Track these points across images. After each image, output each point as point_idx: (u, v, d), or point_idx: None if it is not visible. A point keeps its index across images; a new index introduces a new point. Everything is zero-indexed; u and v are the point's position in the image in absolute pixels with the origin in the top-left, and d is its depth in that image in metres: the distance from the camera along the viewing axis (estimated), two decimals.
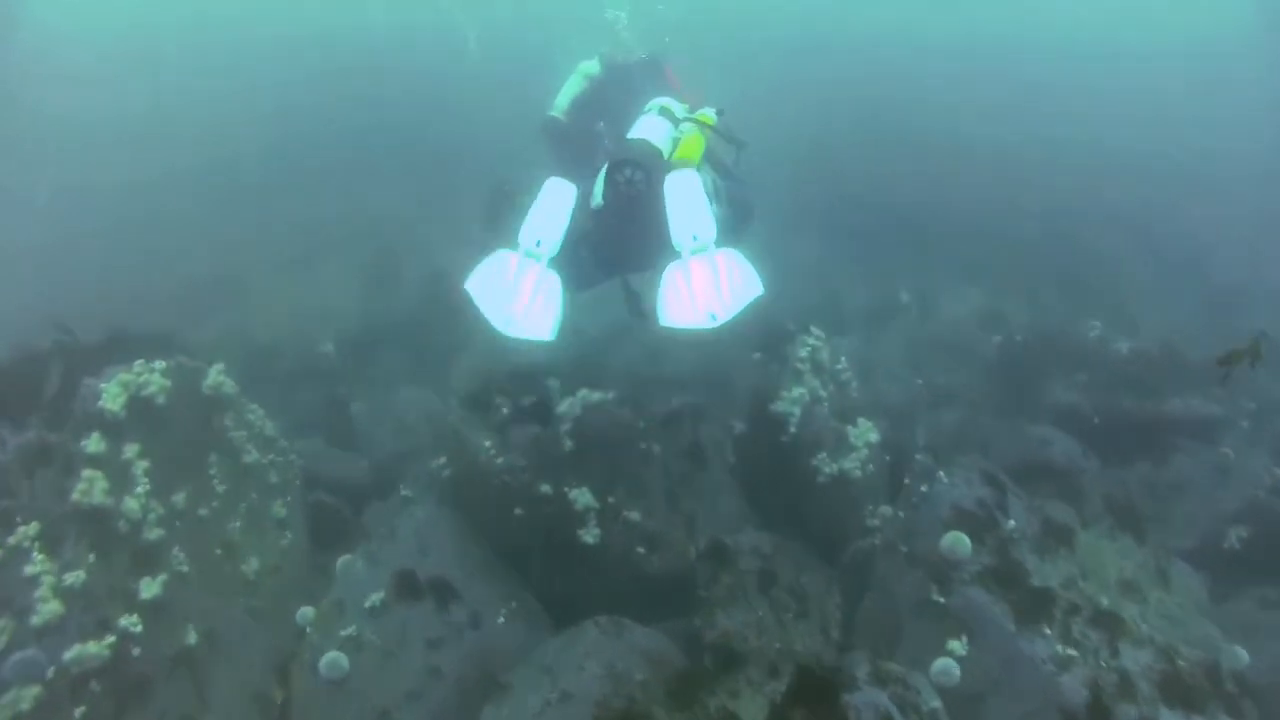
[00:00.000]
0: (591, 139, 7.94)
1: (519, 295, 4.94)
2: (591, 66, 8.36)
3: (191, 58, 24.33)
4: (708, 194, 5.25)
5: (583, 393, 6.52)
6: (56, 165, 17.69)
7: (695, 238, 4.77)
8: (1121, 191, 16.81)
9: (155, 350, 6.57)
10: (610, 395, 6.63)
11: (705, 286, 4.57)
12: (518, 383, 6.69)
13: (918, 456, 7.64)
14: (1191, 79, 25.86)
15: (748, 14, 28.61)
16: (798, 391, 6.76)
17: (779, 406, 6.74)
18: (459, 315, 11.98)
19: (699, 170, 5.34)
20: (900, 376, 10.45)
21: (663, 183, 5.13)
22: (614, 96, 7.98)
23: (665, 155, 5.43)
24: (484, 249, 5.17)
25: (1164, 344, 10.19)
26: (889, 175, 17.05)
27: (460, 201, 13.97)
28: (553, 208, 5.27)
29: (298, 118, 20.74)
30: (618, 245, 5.50)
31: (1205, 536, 7.44)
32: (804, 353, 6.95)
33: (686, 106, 6.29)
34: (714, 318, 4.42)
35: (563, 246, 5.19)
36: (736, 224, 5.81)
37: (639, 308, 5.61)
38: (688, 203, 4.96)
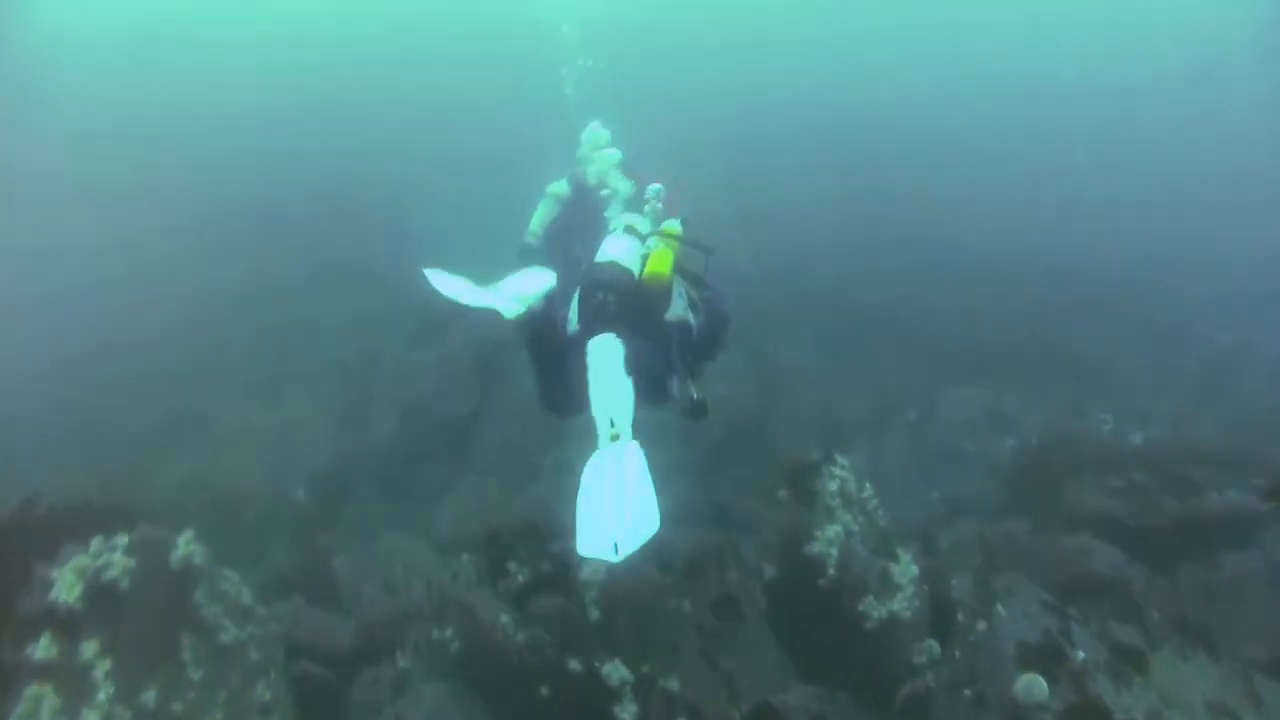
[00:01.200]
0: (567, 262, 7.88)
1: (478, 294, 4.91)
2: (560, 187, 8.34)
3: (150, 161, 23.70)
4: (682, 310, 5.19)
5: None
6: None
7: (612, 424, 4.37)
8: (1107, 269, 16.95)
9: (115, 520, 5.96)
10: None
11: (612, 506, 3.97)
12: (531, 546, 6.13)
13: (953, 581, 7.20)
14: (1188, 120, 26.42)
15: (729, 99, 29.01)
16: (832, 530, 6.28)
17: (815, 548, 6.25)
18: (440, 452, 11.59)
19: (672, 283, 5.23)
20: (913, 489, 10.01)
21: (636, 301, 5.01)
22: (584, 214, 7.90)
23: (636, 274, 5.23)
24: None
25: (1175, 430, 9.96)
26: (872, 273, 16.99)
27: (433, 327, 13.75)
28: (532, 279, 5.31)
29: (255, 237, 20.14)
30: None
31: (1279, 644, 6.96)
32: (833, 486, 6.49)
33: (650, 220, 6.24)
34: (617, 551, 3.74)
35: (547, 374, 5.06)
36: (714, 332, 5.63)
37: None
38: (604, 376, 4.64)
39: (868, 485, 7.12)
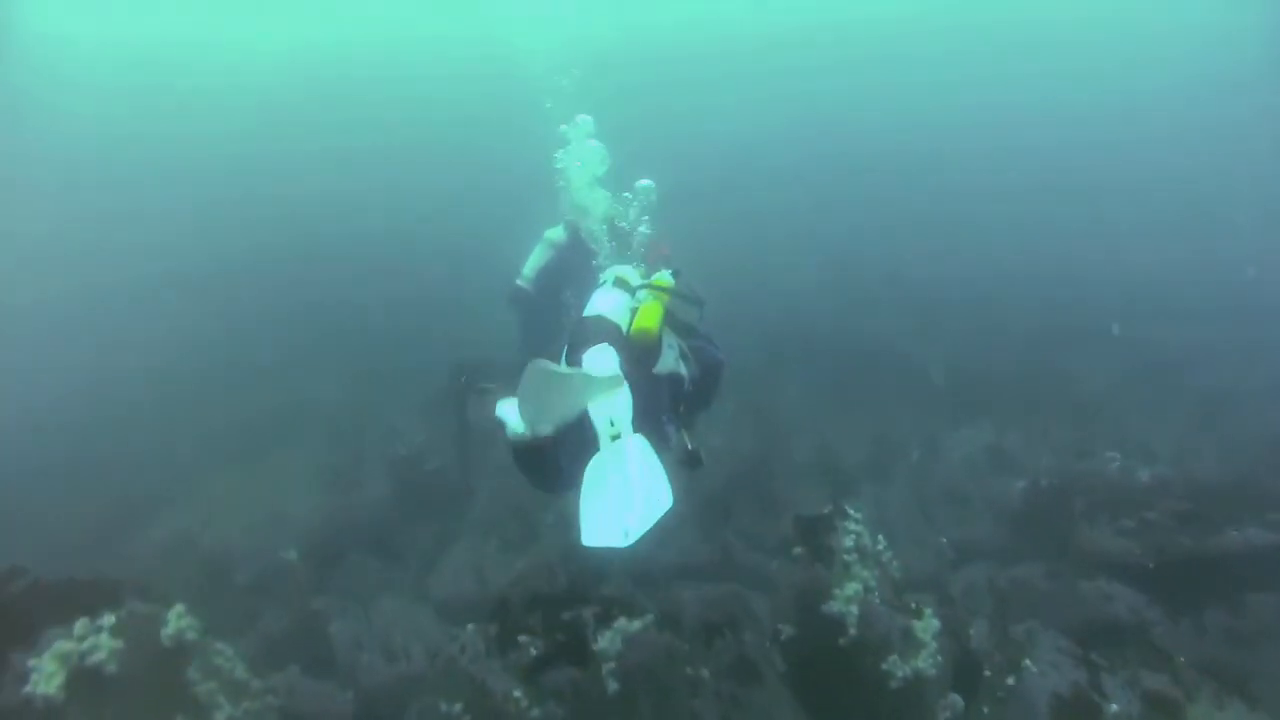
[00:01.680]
0: (556, 308, 8.08)
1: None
2: (556, 233, 8.49)
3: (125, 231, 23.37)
4: (673, 361, 5.16)
5: (621, 623, 5.77)
6: None
7: (612, 424, 4.33)
8: (1102, 295, 16.91)
9: (101, 596, 5.70)
10: (649, 619, 5.88)
11: (619, 495, 3.97)
12: (542, 615, 5.91)
13: (972, 631, 7.00)
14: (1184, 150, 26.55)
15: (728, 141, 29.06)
16: (851, 588, 6.08)
17: (834, 607, 6.05)
18: (436, 509, 11.32)
19: (660, 337, 5.19)
20: (921, 536, 9.79)
21: (622, 356, 4.91)
22: (578, 261, 7.99)
23: (624, 329, 5.20)
24: None
25: (1181, 464, 9.84)
26: (866, 311, 16.94)
27: (422, 377, 13.53)
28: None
29: (241, 289, 19.81)
30: None
31: None
32: (849, 542, 6.31)
33: (642, 271, 6.20)
34: (627, 535, 3.77)
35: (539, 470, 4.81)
36: (707, 381, 5.63)
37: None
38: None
39: (881, 538, 6.95)
